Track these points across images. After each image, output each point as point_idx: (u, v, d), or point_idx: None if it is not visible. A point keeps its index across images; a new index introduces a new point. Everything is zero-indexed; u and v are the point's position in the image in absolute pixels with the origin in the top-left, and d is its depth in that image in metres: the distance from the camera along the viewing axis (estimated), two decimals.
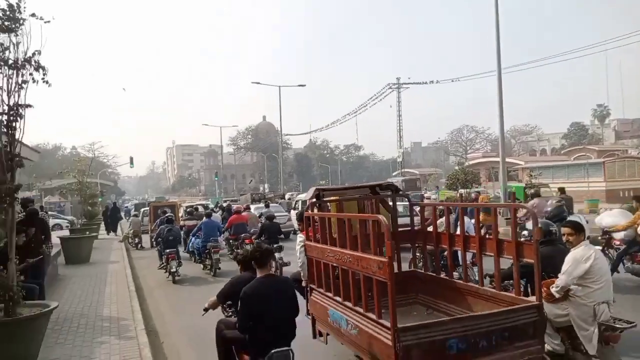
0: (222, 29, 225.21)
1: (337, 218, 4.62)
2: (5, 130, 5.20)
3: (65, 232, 21.06)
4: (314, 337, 5.13)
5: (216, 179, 65.64)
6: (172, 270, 11.45)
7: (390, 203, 5.93)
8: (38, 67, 5.33)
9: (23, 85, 5.24)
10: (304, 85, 41.57)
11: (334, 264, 4.46)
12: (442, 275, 5.31)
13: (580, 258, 4.49)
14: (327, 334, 4.82)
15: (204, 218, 13.55)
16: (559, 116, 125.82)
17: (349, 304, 4.20)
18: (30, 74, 5.31)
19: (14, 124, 5.23)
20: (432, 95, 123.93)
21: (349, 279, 4.15)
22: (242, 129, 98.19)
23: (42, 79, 5.38)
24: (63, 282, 11.08)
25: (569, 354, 4.61)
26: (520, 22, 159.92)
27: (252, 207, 19.58)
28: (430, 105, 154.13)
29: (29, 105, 5.35)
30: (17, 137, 5.27)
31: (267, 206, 19.26)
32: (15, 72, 5.23)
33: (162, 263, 12.37)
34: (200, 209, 19.80)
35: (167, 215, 14.08)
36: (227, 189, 74.34)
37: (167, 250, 11.84)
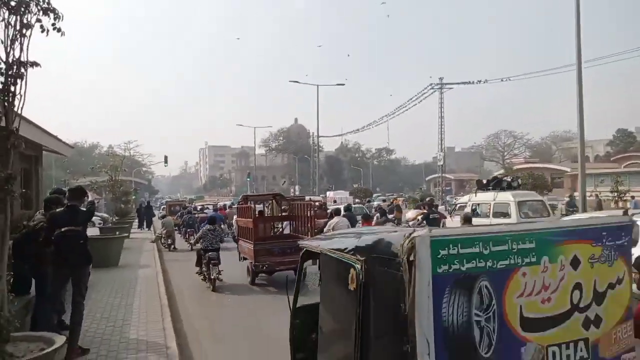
0: (258, 29, 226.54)
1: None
2: (1, 97, 3.72)
3: (96, 231, 20.09)
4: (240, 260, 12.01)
5: (248, 179, 64.94)
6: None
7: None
8: (47, 9, 3.83)
9: (25, 32, 3.74)
10: (343, 84, 39.78)
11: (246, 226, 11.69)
12: None
13: None
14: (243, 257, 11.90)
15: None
16: (601, 122, 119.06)
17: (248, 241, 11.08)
18: (38, 20, 3.82)
19: (11, 88, 3.74)
20: (468, 98, 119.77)
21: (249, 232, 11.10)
22: (275, 131, 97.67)
23: (53, 25, 3.88)
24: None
25: None
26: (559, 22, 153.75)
27: None
28: (465, 108, 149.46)
29: (34, 63, 3.86)
30: (16, 106, 3.79)
31: None
32: (16, 16, 3.74)
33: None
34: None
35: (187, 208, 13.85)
36: (258, 190, 73.60)
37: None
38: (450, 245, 2.13)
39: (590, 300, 2.47)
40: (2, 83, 3.75)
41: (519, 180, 16.67)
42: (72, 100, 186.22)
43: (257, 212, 12.37)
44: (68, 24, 3.93)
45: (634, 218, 3.36)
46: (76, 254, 5.56)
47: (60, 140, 21.36)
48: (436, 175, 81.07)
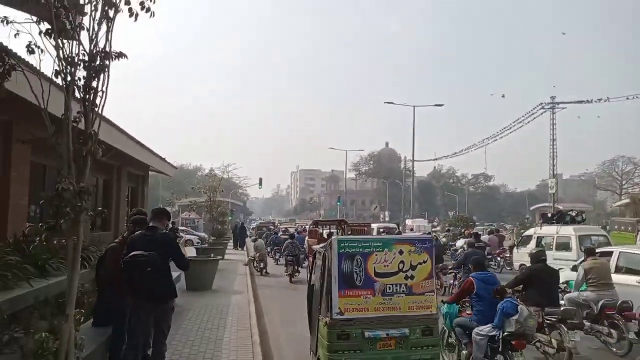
0: (352, 52, 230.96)
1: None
2: (81, 94, 3.06)
3: (193, 251, 20.38)
4: None
5: (339, 203, 64.51)
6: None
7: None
8: None
9: (110, 12, 3.05)
10: (442, 105, 37.18)
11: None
12: None
13: None
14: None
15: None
16: None
17: None
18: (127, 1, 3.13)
19: (93, 83, 3.06)
20: (579, 119, 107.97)
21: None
22: (365, 155, 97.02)
23: (141, 4, 3.17)
24: (177, 318, 9.20)
25: None
26: None
27: None
28: (575, 132, 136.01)
29: (120, 54, 3.18)
30: (97, 105, 3.11)
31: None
32: None
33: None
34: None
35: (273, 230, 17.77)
36: (348, 215, 72.89)
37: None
38: (345, 242, 5.15)
39: (409, 268, 5.14)
40: (83, 78, 3.10)
41: (583, 215, 17.29)
42: (177, 126, 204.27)
43: (324, 234, 16.98)
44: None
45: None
46: (151, 284, 4.72)
47: (165, 160, 22.43)
48: (543, 204, 73.58)
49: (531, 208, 76.83)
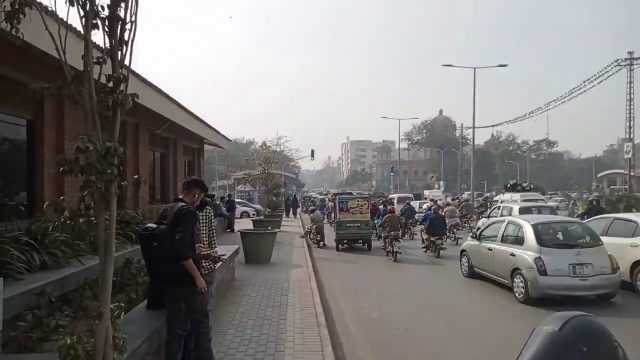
0: (406, 17, 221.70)
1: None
2: (105, 26, 2.34)
3: (249, 224, 20.21)
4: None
5: (392, 174, 62.83)
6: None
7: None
8: None
9: None
10: (505, 65, 33.77)
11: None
12: None
13: None
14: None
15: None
16: None
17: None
18: None
19: (119, 17, 2.32)
20: None
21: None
22: (418, 123, 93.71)
23: None
24: (237, 293, 8.78)
25: None
26: None
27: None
28: None
29: None
30: (126, 49, 2.37)
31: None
32: None
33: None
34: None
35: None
36: (401, 185, 71.04)
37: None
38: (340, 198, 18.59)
39: (361, 205, 16.82)
40: (109, 12, 2.36)
41: (532, 185, 25.93)
42: (233, 102, 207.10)
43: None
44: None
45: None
46: (161, 263, 3.96)
47: (219, 133, 22.27)
48: (613, 171, 67.97)
49: (599, 175, 71.36)
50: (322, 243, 17.44)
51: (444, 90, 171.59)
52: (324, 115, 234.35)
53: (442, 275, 11.93)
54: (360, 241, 16.79)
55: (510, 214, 16.13)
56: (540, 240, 8.59)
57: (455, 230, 17.93)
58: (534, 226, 8.77)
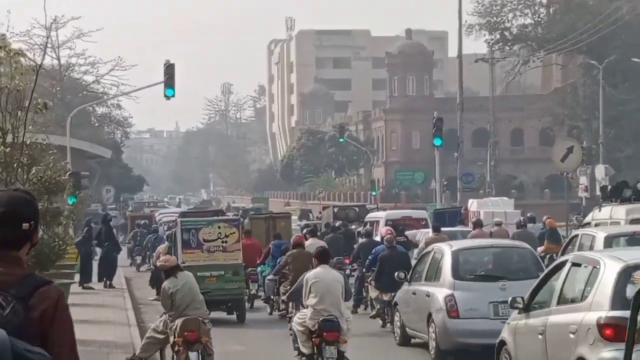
0: None
1: None
2: None
3: None
4: None
5: (438, 143, 29.61)
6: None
7: None
8: None
9: None
10: None
11: None
12: None
13: None
14: None
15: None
16: None
17: None
18: None
19: None
20: None
21: None
22: None
23: None
24: None
25: None
26: None
27: None
28: None
29: None
30: None
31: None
32: None
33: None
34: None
35: None
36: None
37: None
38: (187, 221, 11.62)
39: (224, 236, 10.30)
40: None
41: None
42: None
43: None
44: None
45: None
46: None
47: None
48: None
49: None
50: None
51: None
52: None
53: None
54: (223, 306, 9.90)
55: (591, 248, 7.60)
56: (455, 273, 6.47)
57: None
58: (454, 253, 6.60)
